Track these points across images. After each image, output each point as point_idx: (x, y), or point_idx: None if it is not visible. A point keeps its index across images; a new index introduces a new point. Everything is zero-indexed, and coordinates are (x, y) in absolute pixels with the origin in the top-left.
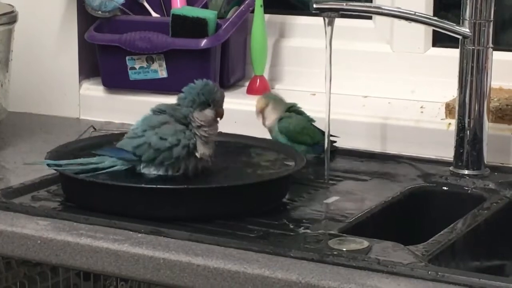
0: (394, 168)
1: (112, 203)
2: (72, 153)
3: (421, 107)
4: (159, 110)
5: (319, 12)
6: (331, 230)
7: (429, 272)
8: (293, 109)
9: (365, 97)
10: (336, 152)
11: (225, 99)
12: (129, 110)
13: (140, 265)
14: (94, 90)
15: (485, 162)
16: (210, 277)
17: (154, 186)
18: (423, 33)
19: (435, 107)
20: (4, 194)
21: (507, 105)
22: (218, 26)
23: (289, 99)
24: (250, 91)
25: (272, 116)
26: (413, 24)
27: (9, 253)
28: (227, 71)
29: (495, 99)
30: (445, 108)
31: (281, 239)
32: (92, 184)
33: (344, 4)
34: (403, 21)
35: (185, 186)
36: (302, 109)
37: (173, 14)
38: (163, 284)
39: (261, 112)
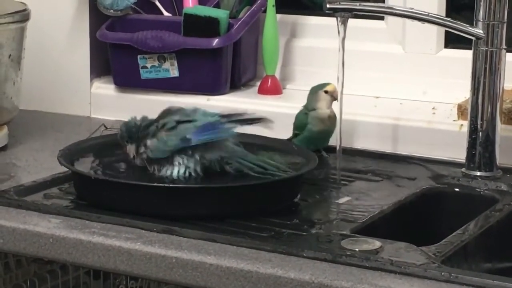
0: (405, 169)
1: (124, 201)
2: (84, 151)
3: (433, 108)
4: None
5: (332, 12)
6: (343, 230)
7: (443, 273)
8: None
9: (377, 97)
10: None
11: (237, 99)
12: (140, 109)
13: (152, 264)
14: (105, 88)
15: (497, 164)
16: (223, 276)
17: (167, 185)
18: (435, 34)
19: (447, 108)
20: (16, 192)
21: None
22: (230, 26)
23: (300, 99)
24: (262, 91)
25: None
26: (425, 25)
27: (22, 251)
28: (239, 71)
29: (508, 101)
30: (457, 109)
31: (294, 239)
32: (104, 182)
33: (357, 4)
34: (415, 22)
35: (198, 185)
36: None
37: (185, 13)
38: (176, 283)
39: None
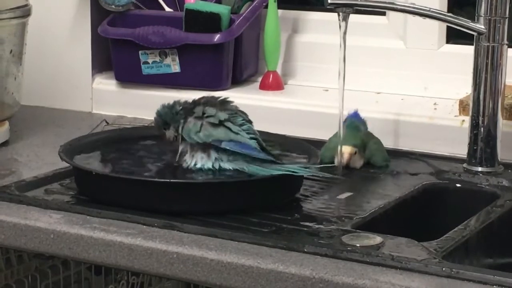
0: (407, 165)
1: (125, 196)
2: (85, 147)
3: (435, 103)
4: None
5: (334, 8)
6: (344, 225)
7: (444, 269)
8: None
9: (378, 93)
10: None
11: (239, 94)
12: (141, 105)
13: (153, 259)
14: (106, 84)
15: (499, 159)
16: (224, 271)
17: (168, 180)
18: (437, 29)
19: (449, 104)
20: (17, 187)
21: None
22: (231, 21)
23: (302, 95)
24: (263, 86)
25: (359, 160)
26: (427, 20)
27: (22, 246)
28: (240, 66)
29: (509, 96)
30: (459, 105)
31: (295, 235)
32: (106, 177)
33: None
34: (416, 18)
35: (199, 180)
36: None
37: (186, 9)
38: (177, 279)
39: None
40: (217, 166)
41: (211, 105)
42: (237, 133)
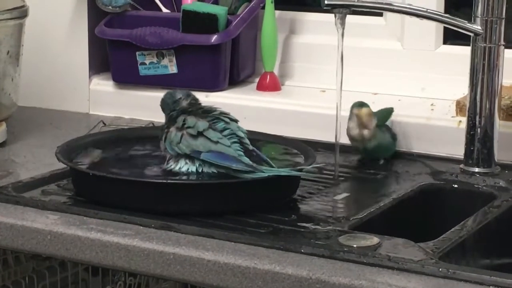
0: (404, 165)
1: (122, 197)
2: (82, 147)
3: (432, 104)
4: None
5: (331, 8)
6: (341, 226)
7: (440, 269)
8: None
9: (375, 94)
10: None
11: (236, 95)
12: (138, 106)
13: (150, 260)
14: (104, 85)
15: (496, 160)
16: (220, 272)
17: (165, 181)
18: (434, 30)
19: (446, 104)
20: (14, 188)
21: None
22: (228, 22)
23: (299, 95)
24: (260, 87)
25: (373, 123)
26: (424, 21)
27: (19, 247)
28: (237, 67)
29: (506, 97)
30: (456, 105)
31: (292, 235)
32: (102, 178)
33: (356, 0)
34: (414, 18)
35: (196, 181)
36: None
37: (183, 10)
38: (174, 279)
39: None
40: (200, 170)
41: (193, 113)
42: (216, 142)
